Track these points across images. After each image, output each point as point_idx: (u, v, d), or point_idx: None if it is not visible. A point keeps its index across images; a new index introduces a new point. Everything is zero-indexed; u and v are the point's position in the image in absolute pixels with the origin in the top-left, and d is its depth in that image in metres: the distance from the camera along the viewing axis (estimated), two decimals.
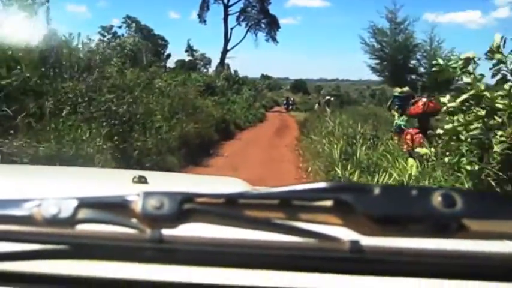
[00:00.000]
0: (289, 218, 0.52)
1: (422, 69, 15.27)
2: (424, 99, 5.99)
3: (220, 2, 33.92)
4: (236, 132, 14.54)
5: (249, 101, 23.24)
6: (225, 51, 34.18)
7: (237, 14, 34.71)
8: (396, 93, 10.31)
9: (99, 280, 0.60)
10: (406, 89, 10.63)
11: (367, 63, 15.24)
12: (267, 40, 36.71)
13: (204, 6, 34.41)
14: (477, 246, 0.53)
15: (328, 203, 0.52)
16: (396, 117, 9.72)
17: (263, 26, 35.95)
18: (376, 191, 0.51)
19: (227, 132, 13.21)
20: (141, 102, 8.38)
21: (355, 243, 0.53)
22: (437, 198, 0.51)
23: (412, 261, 0.54)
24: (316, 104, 19.48)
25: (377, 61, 14.89)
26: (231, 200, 0.52)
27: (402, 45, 14.49)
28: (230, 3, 34.61)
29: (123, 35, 21.56)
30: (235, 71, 26.72)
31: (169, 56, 29.40)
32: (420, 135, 5.73)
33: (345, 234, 0.52)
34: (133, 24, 27.24)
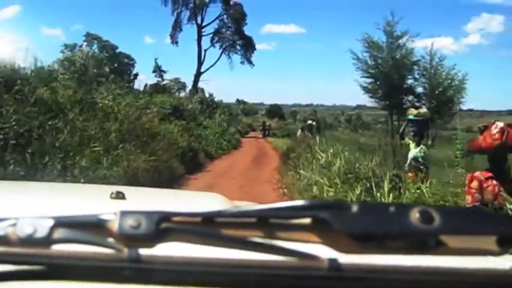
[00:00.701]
0: (267, 236, 0.53)
1: (420, 89, 12.89)
2: (501, 124, 3.30)
3: (194, 22, 31.58)
4: (206, 163, 12.27)
5: (222, 126, 21.55)
6: (198, 74, 31.93)
7: (211, 35, 32.25)
8: (411, 116, 7.89)
9: None
10: (423, 110, 8.29)
11: (358, 82, 12.91)
12: (242, 63, 34.40)
13: (177, 27, 32.28)
14: (455, 263, 0.56)
15: (307, 220, 0.53)
16: (412, 147, 7.03)
17: (238, 47, 33.64)
18: (354, 208, 0.53)
19: (195, 163, 10.95)
20: (73, 128, 5.73)
21: (333, 261, 0.54)
22: (415, 215, 0.52)
23: (391, 279, 0.56)
24: (299, 130, 17.02)
25: (370, 80, 12.51)
26: (209, 218, 0.54)
27: (400, 62, 12.09)
28: (204, 24, 32.28)
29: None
30: (211, 94, 24.28)
31: (136, 76, 26.62)
32: (494, 181, 3.88)
33: (323, 252, 0.54)
34: (95, 41, 24.35)
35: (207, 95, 26.37)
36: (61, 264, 0.53)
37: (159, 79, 25.16)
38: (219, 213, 0.54)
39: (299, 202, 0.53)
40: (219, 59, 35.34)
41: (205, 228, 0.52)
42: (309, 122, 20.00)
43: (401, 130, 8.28)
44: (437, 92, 13.64)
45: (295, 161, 10.51)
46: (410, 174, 7.25)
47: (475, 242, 0.52)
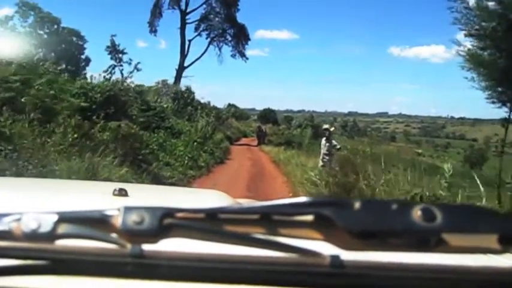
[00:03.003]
0: (270, 232, 0.53)
1: None
2: None
3: (177, 8, 24.33)
4: None
5: (205, 131, 15.98)
6: (180, 68, 24.44)
7: (197, 22, 25.01)
8: None
9: None
10: None
11: (456, 43, 5.61)
12: (233, 56, 27.18)
13: (156, 12, 24.90)
14: (457, 260, 0.55)
15: (309, 217, 0.53)
16: None
17: (229, 37, 26.37)
18: (357, 205, 0.53)
19: None
20: None
21: (336, 258, 0.54)
22: (417, 213, 0.52)
23: (393, 276, 0.55)
24: (323, 139, 9.66)
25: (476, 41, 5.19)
26: (212, 214, 0.53)
27: None
28: (189, 10, 24.97)
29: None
30: (188, 88, 17.18)
31: (88, 60, 19.16)
32: None
33: (326, 248, 0.54)
34: (32, 12, 17.03)
35: (185, 90, 19.20)
36: (65, 259, 0.52)
37: (115, 63, 16.97)
38: (222, 210, 0.54)
39: (302, 199, 0.53)
40: (206, 50, 28.06)
41: (208, 224, 0.52)
42: (326, 126, 12.90)
43: None
44: None
45: None
46: None
47: (477, 240, 0.52)
